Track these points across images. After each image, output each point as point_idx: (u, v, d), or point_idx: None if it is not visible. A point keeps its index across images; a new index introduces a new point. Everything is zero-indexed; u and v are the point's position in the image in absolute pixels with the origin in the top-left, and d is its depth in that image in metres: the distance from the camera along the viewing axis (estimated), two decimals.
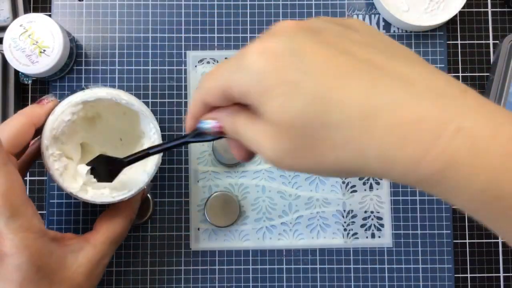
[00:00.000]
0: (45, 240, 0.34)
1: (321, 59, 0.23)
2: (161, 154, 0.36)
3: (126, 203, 0.39)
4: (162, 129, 0.45)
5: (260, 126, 0.25)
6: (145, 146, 0.37)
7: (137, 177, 0.37)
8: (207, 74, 0.28)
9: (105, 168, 0.34)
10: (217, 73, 0.27)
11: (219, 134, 0.29)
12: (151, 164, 0.36)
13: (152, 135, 0.36)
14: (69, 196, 0.45)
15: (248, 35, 0.46)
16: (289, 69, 0.23)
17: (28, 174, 0.45)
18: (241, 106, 0.27)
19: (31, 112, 0.36)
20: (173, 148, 0.33)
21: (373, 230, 0.45)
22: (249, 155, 0.29)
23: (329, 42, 0.24)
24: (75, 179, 0.36)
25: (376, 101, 0.22)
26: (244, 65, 0.24)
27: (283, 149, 0.25)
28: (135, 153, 0.32)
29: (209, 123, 0.28)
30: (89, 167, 0.35)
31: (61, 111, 0.35)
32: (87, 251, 0.36)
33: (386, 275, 0.44)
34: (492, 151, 0.21)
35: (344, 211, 0.45)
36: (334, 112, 0.23)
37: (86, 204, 0.45)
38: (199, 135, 0.29)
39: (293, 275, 0.44)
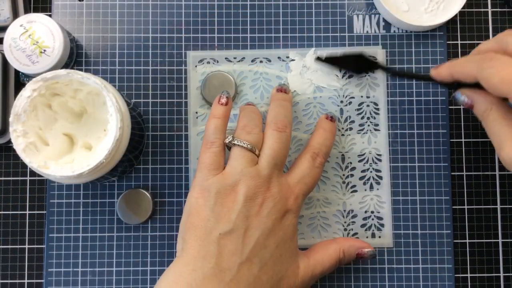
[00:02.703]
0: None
1: None
2: (120, 129, 0.36)
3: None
4: (162, 129, 0.45)
5: (511, 129, 0.34)
6: (110, 122, 0.37)
7: (98, 152, 0.37)
8: (495, 61, 0.34)
9: (362, 65, 0.42)
10: (506, 72, 0.33)
11: (467, 107, 0.38)
12: (110, 139, 0.37)
13: (109, 108, 0.37)
14: (69, 196, 0.45)
15: (248, 35, 0.46)
16: None
17: (28, 174, 0.45)
18: (498, 98, 0.35)
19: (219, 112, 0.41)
20: (416, 79, 0.43)
21: (373, 230, 0.45)
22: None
23: None
24: (44, 161, 0.36)
25: None
26: None
27: None
28: (401, 71, 0.42)
29: (464, 98, 0.37)
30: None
31: (24, 89, 0.37)
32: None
33: (386, 275, 0.44)
34: None
35: (345, 211, 0.45)
36: None
37: (86, 204, 0.45)
38: (442, 83, 0.39)
39: None
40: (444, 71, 0.38)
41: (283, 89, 0.43)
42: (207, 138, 0.39)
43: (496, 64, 0.34)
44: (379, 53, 0.46)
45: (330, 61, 0.42)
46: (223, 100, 0.41)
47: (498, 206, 0.45)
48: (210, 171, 0.38)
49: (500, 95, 0.34)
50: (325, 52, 0.45)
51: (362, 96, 0.46)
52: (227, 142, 0.39)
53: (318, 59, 0.42)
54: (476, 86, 0.36)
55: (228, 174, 0.38)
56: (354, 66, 0.43)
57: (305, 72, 0.45)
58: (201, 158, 0.39)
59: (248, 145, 0.38)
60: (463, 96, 0.38)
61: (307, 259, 0.40)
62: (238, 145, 0.38)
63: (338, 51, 0.41)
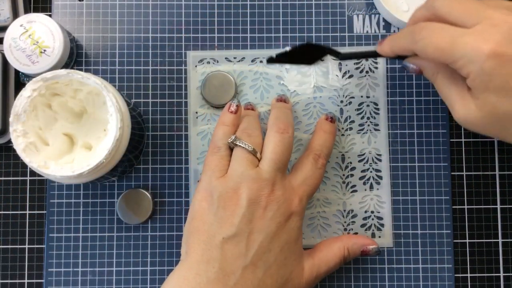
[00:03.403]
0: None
1: None
2: (120, 129, 0.36)
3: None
4: (162, 129, 0.45)
5: (458, 91, 0.35)
6: (110, 121, 0.37)
7: (98, 152, 0.37)
8: (425, 31, 0.35)
9: (311, 53, 0.41)
10: (438, 40, 0.33)
11: (417, 73, 0.39)
12: (110, 139, 0.37)
13: (109, 108, 0.37)
14: (69, 196, 0.45)
15: (248, 35, 0.46)
16: (510, 77, 0.31)
17: (28, 174, 0.45)
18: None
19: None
20: (365, 57, 0.43)
21: (373, 230, 0.45)
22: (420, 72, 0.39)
23: None
24: (44, 161, 0.37)
25: None
26: (477, 57, 0.32)
27: (475, 122, 0.34)
28: (349, 52, 0.41)
29: (412, 66, 0.39)
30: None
31: (24, 89, 0.37)
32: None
33: (386, 275, 0.44)
34: None
35: (345, 211, 0.45)
36: None
37: (86, 204, 0.45)
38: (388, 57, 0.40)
39: None
40: (386, 47, 0.39)
41: (282, 98, 0.43)
42: (214, 143, 0.39)
43: (427, 33, 0.34)
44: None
45: (281, 58, 0.42)
46: (233, 108, 0.41)
47: (498, 206, 0.45)
48: (215, 173, 0.38)
49: (437, 62, 0.35)
50: (273, 52, 0.44)
51: (362, 96, 0.46)
52: (229, 141, 0.39)
53: (270, 60, 0.42)
54: None
55: (229, 177, 0.38)
56: (305, 57, 0.42)
57: (305, 72, 0.45)
58: (207, 161, 0.39)
59: (250, 147, 0.38)
60: (411, 64, 0.39)
61: (311, 259, 0.40)
62: (240, 146, 0.38)
63: (286, 48, 0.41)
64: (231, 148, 0.39)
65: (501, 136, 0.35)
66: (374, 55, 0.41)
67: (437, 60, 0.34)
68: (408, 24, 0.39)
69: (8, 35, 0.42)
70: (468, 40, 0.32)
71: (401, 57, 0.39)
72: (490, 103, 0.33)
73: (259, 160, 0.39)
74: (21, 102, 0.37)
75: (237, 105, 0.41)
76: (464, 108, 0.35)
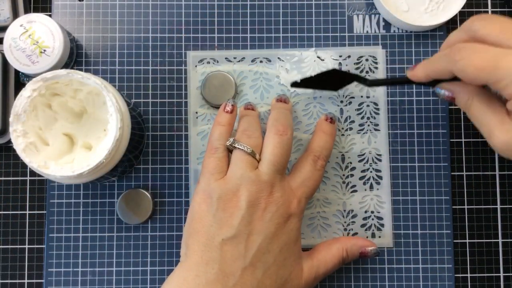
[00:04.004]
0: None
1: None
2: (120, 129, 0.36)
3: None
4: (162, 129, 0.45)
5: (497, 117, 0.33)
6: (110, 121, 0.37)
7: (98, 152, 0.37)
8: (465, 51, 0.33)
9: (338, 80, 0.42)
10: (480, 60, 0.32)
11: (449, 100, 0.37)
12: (110, 139, 0.37)
13: (109, 108, 0.37)
14: (69, 196, 0.45)
15: (248, 35, 0.46)
16: None
17: (28, 174, 0.45)
18: (478, 87, 0.34)
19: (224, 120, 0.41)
20: (395, 84, 0.42)
21: (373, 230, 0.45)
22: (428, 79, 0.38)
23: None
24: (44, 161, 0.37)
25: None
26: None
27: None
28: (379, 79, 0.42)
29: (445, 92, 0.37)
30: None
31: (24, 89, 0.37)
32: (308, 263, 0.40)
33: (386, 275, 0.44)
34: None
35: (345, 211, 0.45)
36: None
37: (86, 204, 0.45)
38: (420, 84, 0.39)
39: None
40: (419, 72, 0.38)
41: (282, 99, 0.43)
42: (211, 144, 0.40)
43: (466, 54, 0.33)
44: (379, 53, 0.46)
45: (305, 83, 0.42)
46: (228, 108, 0.41)
47: (498, 206, 0.45)
48: (213, 175, 0.38)
49: (479, 83, 0.33)
50: (298, 77, 0.45)
51: (362, 96, 0.46)
52: (228, 144, 0.39)
53: (294, 84, 0.43)
54: (456, 79, 0.36)
55: (228, 179, 0.38)
56: (330, 83, 0.43)
57: (305, 72, 0.45)
58: (205, 163, 0.39)
59: (249, 149, 0.38)
60: (443, 90, 0.38)
61: (310, 260, 0.40)
62: (239, 148, 0.38)
63: (312, 73, 0.42)
64: (230, 150, 0.40)
65: None
66: (405, 81, 0.40)
67: (477, 81, 0.33)
68: (441, 49, 0.38)
69: (8, 35, 0.42)
70: None
71: (433, 83, 0.38)
72: None
73: (258, 162, 0.39)
74: (21, 102, 0.37)
75: (232, 105, 0.41)
76: (504, 134, 0.33)
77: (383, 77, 0.45)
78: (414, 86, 0.45)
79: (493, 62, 0.32)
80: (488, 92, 0.35)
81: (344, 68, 0.46)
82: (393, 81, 0.41)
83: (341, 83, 0.43)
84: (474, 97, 0.35)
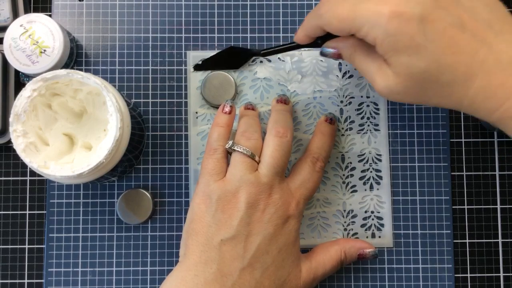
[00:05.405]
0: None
1: (441, 29, 0.31)
2: (120, 129, 0.36)
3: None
4: (162, 129, 0.45)
5: (375, 64, 0.34)
6: (110, 121, 0.37)
7: (98, 152, 0.37)
8: (327, 4, 0.34)
9: (236, 57, 0.43)
10: (340, 11, 0.33)
11: (336, 57, 0.38)
12: (110, 139, 0.37)
13: (109, 108, 0.37)
14: (69, 196, 0.45)
15: (248, 35, 0.46)
16: (417, 35, 0.31)
17: (28, 174, 0.45)
18: (357, 39, 0.35)
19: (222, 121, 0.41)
20: (286, 50, 0.41)
21: (373, 230, 0.45)
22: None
23: (447, 9, 0.31)
24: (44, 161, 0.37)
25: (474, 69, 0.31)
26: (378, 21, 0.31)
27: (396, 89, 0.33)
28: (270, 47, 0.42)
29: (330, 50, 0.38)
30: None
31: (24, 89, 0.37)
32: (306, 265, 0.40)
33: (386, 275, 0.44)
34: None
35: (345, 211, 0.45)
36: (446, 73, 0.31)
37: (86, 204, 0.45)
38: (308, 46, 0.39)
39: None
40: (300, 34, 0.38)
41: (282, 99, 0.43)
42: (210, 145, 0.40)
43: (329, 6, 0.34)
44: None
45: (206, 64, 0.44)
46: (227, 109, 0.41)
47: (498, 206, 0.45)
48: (212, 176, 0.38)
49: (346, 34, 0.34)
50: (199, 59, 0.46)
51: (362, 96, 0.46)
52: (227, 147, 0.39)
53: (196, 66, 0.44)
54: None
55: (228, 181, 0.38)
56: (231, 61, 0.44)
57: (305, 72, 0.45)
58: (204, 164, 0.39)
59: (248, 151, 0.38)
60: (328, 49, 0.38)
61: (309, 262, 0.40)
62: (238, 151, 0.38)
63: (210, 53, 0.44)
64: (229, 152, 0.40)
65: (424, 100, 0.34)
66: (295, 47, 0.41)
67: (343, 32, 0.34)
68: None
69: (8, 35, 0.42)
70: (368, 6, 0.32)
71: (319, 44, 0.39)
72: (403, 65, 0.32)
73: (257, 163, 0.39)
74: (21, 102, 0.37)
75: (230, 106, 0.41)
76: (383, 79, 0.34)
77: (274, 46, 0.44)
78: None
79: (352, 11, 0.32)
80: (367, 44, 0.35)
81: (344, 68, 0.46)
82: (284, 48, 0.42)
83: (240, 60, 0.44)
84: (356, 49, 0.36)
